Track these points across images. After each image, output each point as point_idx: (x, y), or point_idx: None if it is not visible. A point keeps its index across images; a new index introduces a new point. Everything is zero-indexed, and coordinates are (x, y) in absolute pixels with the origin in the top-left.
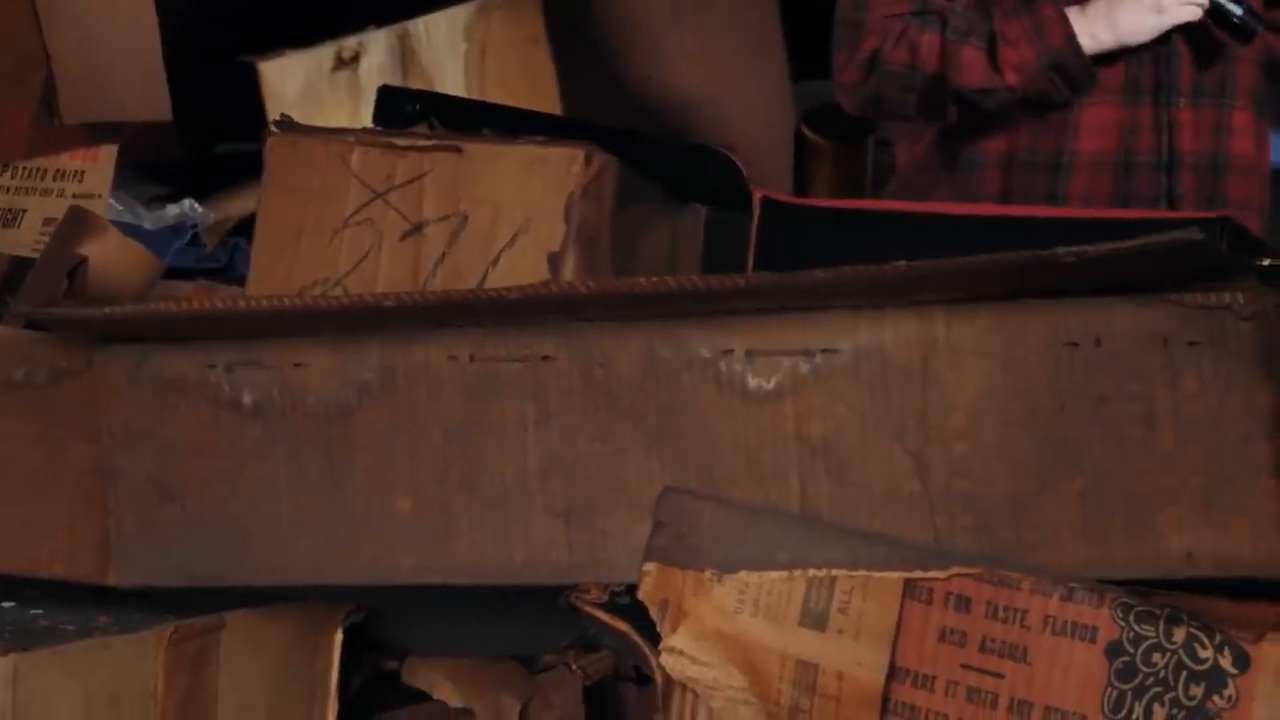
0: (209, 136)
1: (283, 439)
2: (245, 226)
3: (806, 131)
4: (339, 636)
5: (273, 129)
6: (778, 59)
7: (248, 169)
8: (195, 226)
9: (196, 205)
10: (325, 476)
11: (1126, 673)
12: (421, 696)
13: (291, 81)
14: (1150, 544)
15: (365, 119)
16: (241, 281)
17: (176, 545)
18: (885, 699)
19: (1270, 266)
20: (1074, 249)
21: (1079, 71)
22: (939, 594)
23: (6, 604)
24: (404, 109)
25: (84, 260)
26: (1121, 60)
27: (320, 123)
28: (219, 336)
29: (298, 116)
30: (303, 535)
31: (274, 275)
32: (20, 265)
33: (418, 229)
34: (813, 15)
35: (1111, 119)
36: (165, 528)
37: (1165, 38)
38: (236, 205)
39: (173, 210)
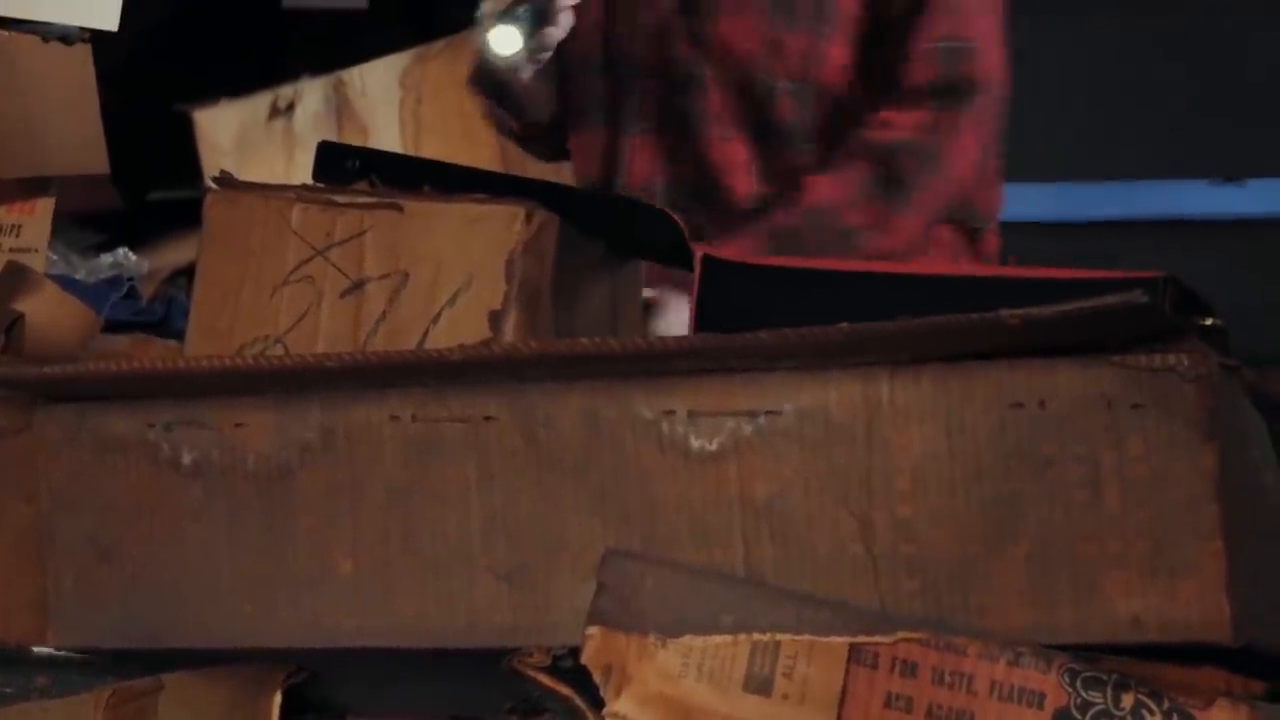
0: (144, 185)
1: (223, 499)
2: (181, 276)
3: None
4: (278, 698)
5: (211, 185)
6: None
7: (182, 217)
8: (132, 279)
9: (131, 254)
10: (266, 537)
11: None
12: None
13: (226, 130)
14: (1097, 608)
15: (301, 166)
16: (178, 335)
17: (115, 606)
18: None
19: (1213, 326)
20: (1019, 311)
21: None
22: (885, 659)
23: None
24: (344, 165)
25: (21, 316)
26: None
27: (256, 171)
28: (159, 395)
29: (233, 164)
30: (243, 596)
31: (214, 331)
32: None
33: (358, 286)
34: None
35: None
36: (104, 589)
37: None
38: (171, 254)
39: (107, 259)
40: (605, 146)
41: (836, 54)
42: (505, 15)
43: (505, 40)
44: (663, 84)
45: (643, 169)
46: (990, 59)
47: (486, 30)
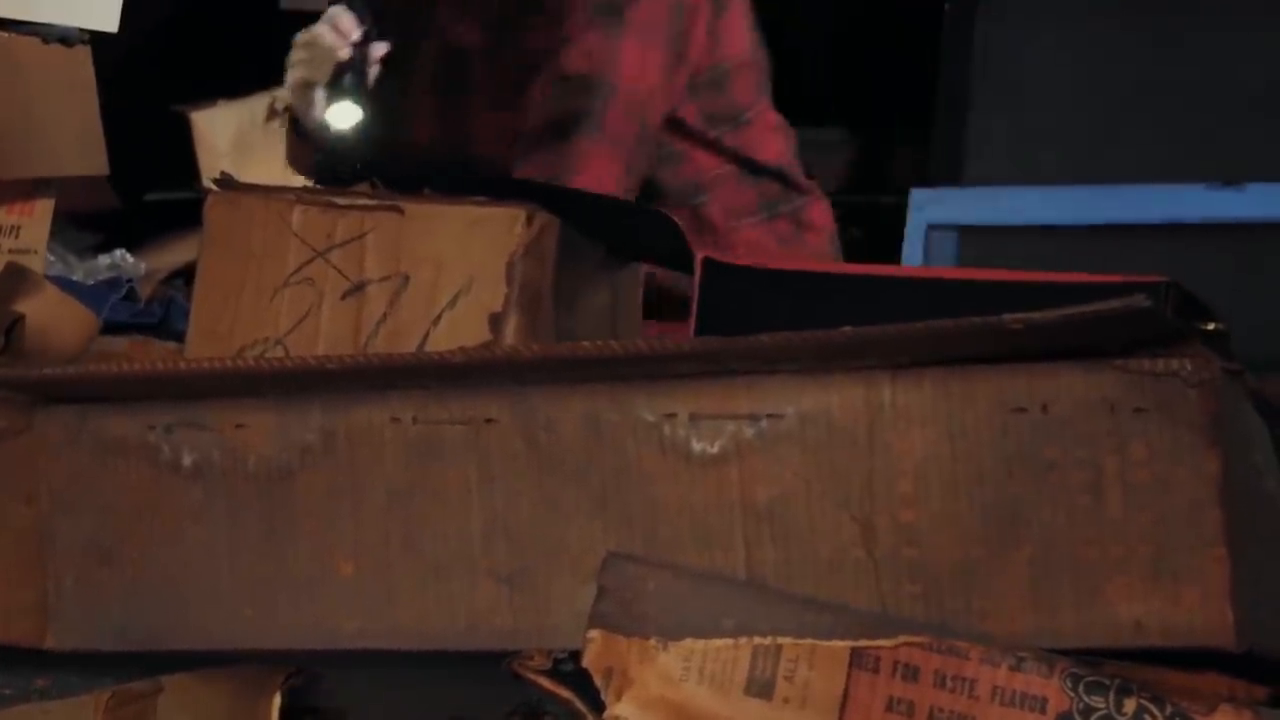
0: (141, 186)
1: (223, 501)
2: (178, 277)
3: None
4: (278, 700)
5: (211, 186)
6: None
7: (179, 218)
8: (130, 281)
9: (128, 255)
10: (266, 539)
11: None
12: None
13: (224, 131)
14: (1099, 613)
15: None
16: (177, 336)
17: (115, 608)
18: None
19: (1214, 331)
20: (1021, 316)
21: None
22: (886, 663)
23: None
24: (345, 168)
25: (21, 318)
26: None
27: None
28: (159, 397)
29: (230, 166)
30: (243, 598)
31: (214, 334)
32: None
33: (359, 288)
34: None
35: None
36: (104, 590)
37: None
38: (169, 255)
39: (104, 260)
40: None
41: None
42: (335, 91)
43: (344, 114)
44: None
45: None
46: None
47: (321, 112)
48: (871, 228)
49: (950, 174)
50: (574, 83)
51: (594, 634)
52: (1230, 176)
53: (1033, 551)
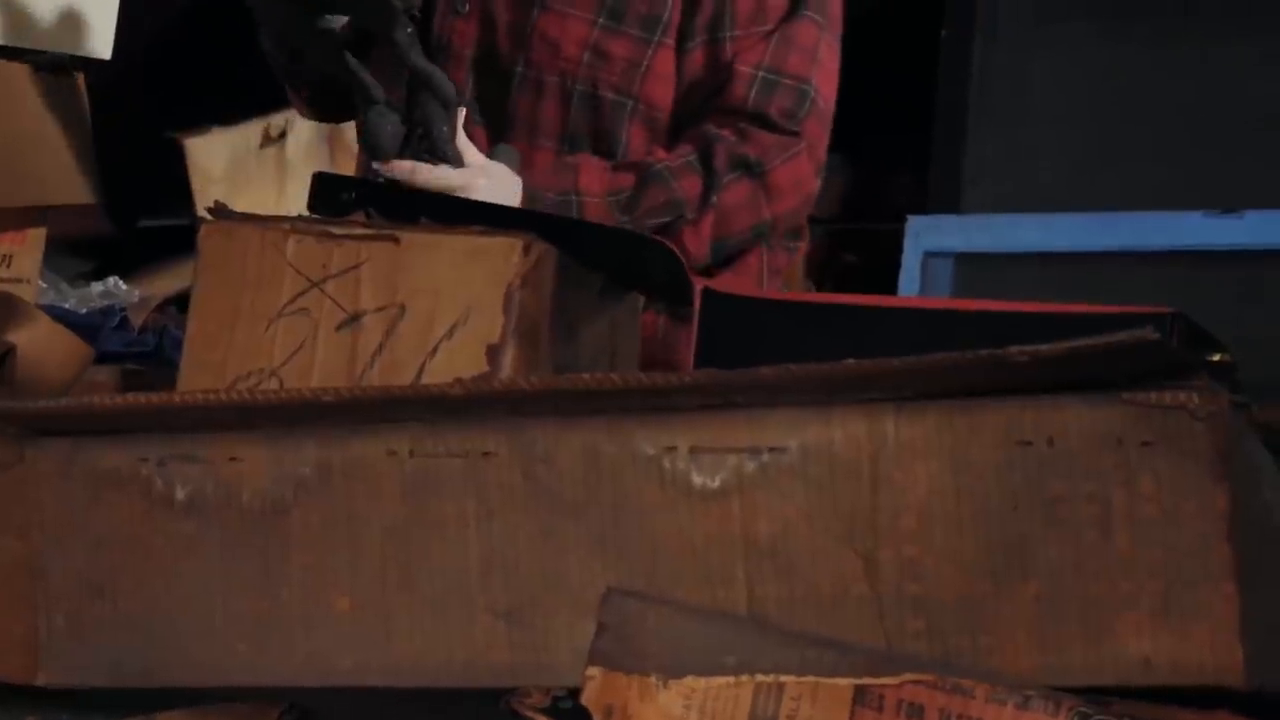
0: (134, 213)
1: (217, 535)
2: (171, 305)
3: None
4: None
5: (206, 215)
6: None
7: (172, 245)
8: (123, 310)
9: (121, 283)
10: (261, 574)
11: None
12: None
13: (217, 158)
14: (1108, 650)
15: (292, 196)
16: (171, 366)
17: (107, 644)
18: None
19: (1220, 362)
20: (1027, 348)
21: None
22: (890, 701)
23: None
24: (340, 196)
25: (13, 348)
26: None
27: (247, 199)
28: (152, 429)
29: (224, 192)
30: (237, 634)
31: (208, 364)
32: None
33: (354, 319)
34: None
35: None
36: (96, 625)
37: None
38: (162, 283)
39: (97, 288)
40: None
41: (662, 64)
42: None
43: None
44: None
45: None
46: (824, 93)
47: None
48: (868, 255)
49: (948, 201)
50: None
51: (594, 671)
52: (1229, 203)
53: (1039, 587)
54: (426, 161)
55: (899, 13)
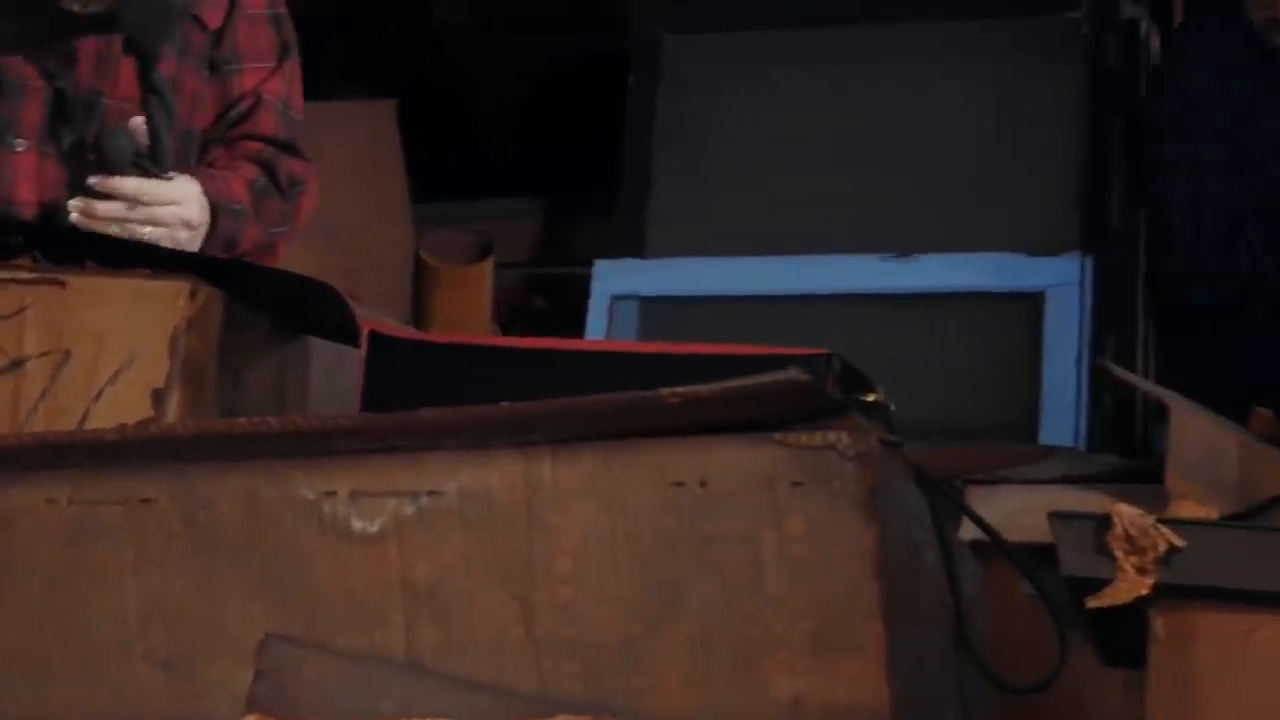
0: None
1: None
2: None
3: (424, 255)
4: None
5: None
6: (398, 178)
7: None
8: None
9: None
10: None
11: None
12: None
13: None
14: (757, 690)
15: None
16: None
17: None
18: None
19: (875, 402)
20: (679, 389)
21: None
22: None
23: None
24: (7, 241)
25: None
26: None
27: None
28: None
29: None
30: None
31: None
32: None
33: (17, 364)
34: (434, 137)
35: None
36: None
37: None
38: None
39: None
40: None
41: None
42: None
43: None
44: None
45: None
46: None
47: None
48: (557, 299)
49: (634, 246)
50: None
51: (250, 719)
52: (902, 249)
53: (691, 628)
54: (151, 174)
55: (589, 62)
